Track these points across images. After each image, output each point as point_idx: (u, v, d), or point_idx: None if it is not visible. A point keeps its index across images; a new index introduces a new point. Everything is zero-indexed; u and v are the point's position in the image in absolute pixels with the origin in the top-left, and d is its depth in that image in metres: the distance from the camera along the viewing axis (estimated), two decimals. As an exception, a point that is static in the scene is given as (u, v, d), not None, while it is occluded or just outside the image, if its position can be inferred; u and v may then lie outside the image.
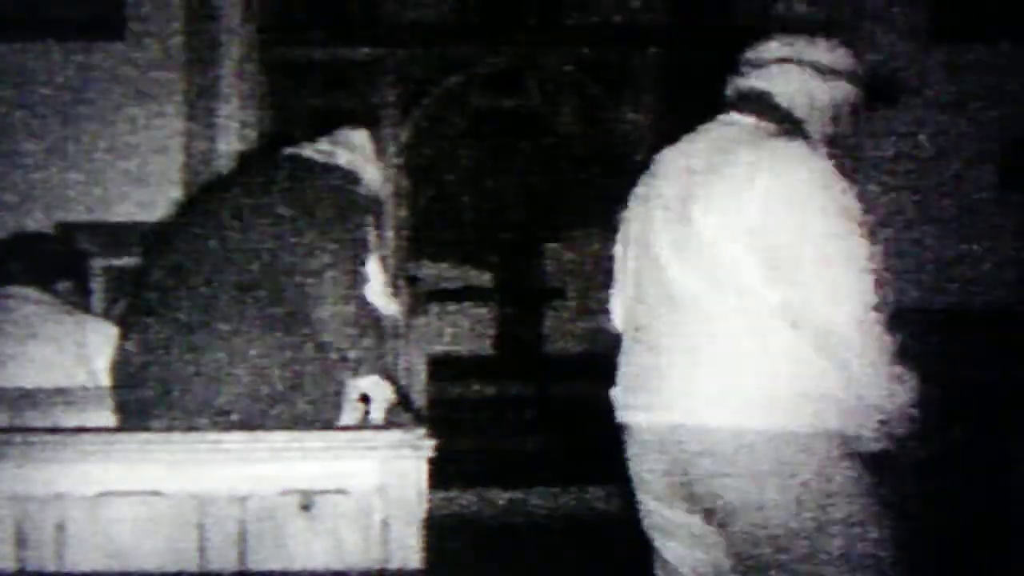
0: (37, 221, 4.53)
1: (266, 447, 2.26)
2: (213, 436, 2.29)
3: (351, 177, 2.79)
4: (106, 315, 3.69)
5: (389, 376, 2.70)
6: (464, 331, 8.96)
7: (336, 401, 2.68)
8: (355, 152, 2.85)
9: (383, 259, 2.84)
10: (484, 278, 9.26)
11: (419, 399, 5.33)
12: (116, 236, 4.54)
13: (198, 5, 4.77)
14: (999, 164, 4.92)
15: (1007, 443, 4.06)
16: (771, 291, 2.31)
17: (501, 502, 5.76)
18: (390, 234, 6.08)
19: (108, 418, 2.72)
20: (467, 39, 7.21)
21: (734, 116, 2.51)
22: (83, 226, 4.58)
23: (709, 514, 2.40)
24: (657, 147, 2.61)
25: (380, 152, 2.97)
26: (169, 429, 2.48)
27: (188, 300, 2.61)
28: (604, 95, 7.56)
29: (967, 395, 3.88)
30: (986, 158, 4.93)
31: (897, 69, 4.75)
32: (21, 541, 2.17)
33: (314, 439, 2.30)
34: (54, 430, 2.47)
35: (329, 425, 2.61)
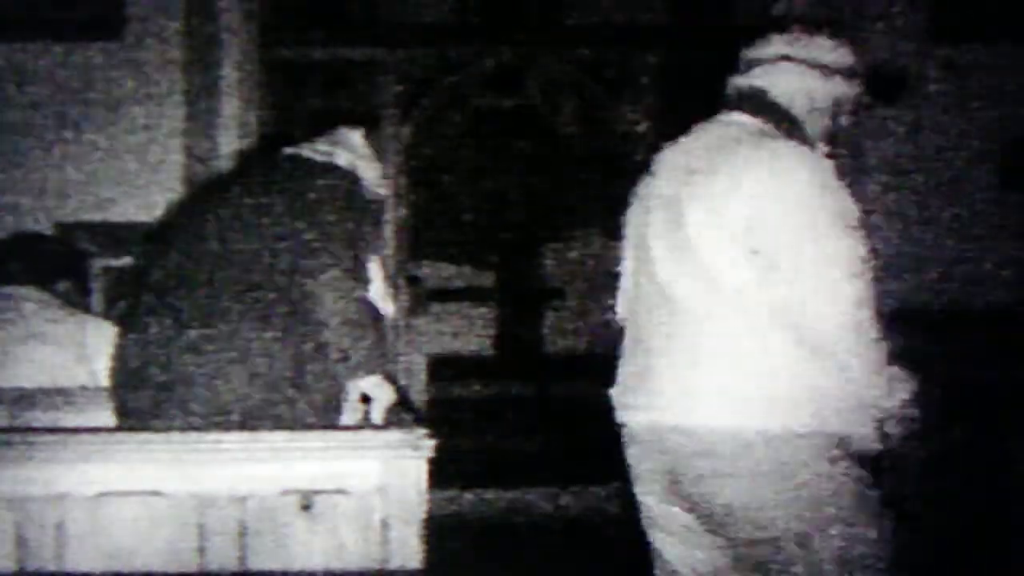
0: (37, 221, 4.53)
1: (266, 447, 2.26)
2: (213, 436, 2.29)
3: (351, 177, 2.79)
4: (106, 315, 3.69)
5: (389, 376, 2.70)
6: (464, 331, 8.97)
7: (336, 401, 2.68)
8: (354, 152, 2.85)
9: (383, 259, 2.84)
10: (484, 278, 9.26)
11: (419, 399, 5.34)
12: (116, 236, 4.54)
13: (198, 5, 4.77)
14: (999, 164, 4.92)
15: (1007, 443, 4.06)
16: (764, 292, 2.31)
17: (501, 502, 5.76)
18: (390, 234, 6.09)
19: (108, 418, 2.72)
20: (467, 39, 7.21)
21: (732, 116, 2.50)
22: (83, 226, 4.58)
23: (707, 514, 2.40)
24: (657, 147, 2.61)
25: (379, 152, 2.97)
26: (169, 429, 2.48)
27: (188, 300, 2.61)
28: (604, 95, 7.56)
29: (967, 395, 3.88)
30: (986, 158, 4.92)
31: (898, 66, 4.75)
32: (21, 541, 2.17)
33: (314, 439, 2.30)
34: (54, 430, 2.46)
35: (329, 425, 2.61)
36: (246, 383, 2.55)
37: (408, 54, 6.69)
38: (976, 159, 4.93)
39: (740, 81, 2.53)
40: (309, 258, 2.59)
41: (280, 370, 2.57)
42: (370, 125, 3.08)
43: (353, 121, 2.97)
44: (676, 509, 2.46)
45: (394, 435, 2.26)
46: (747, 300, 2.32)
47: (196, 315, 2.58)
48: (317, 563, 2.21)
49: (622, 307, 2.65)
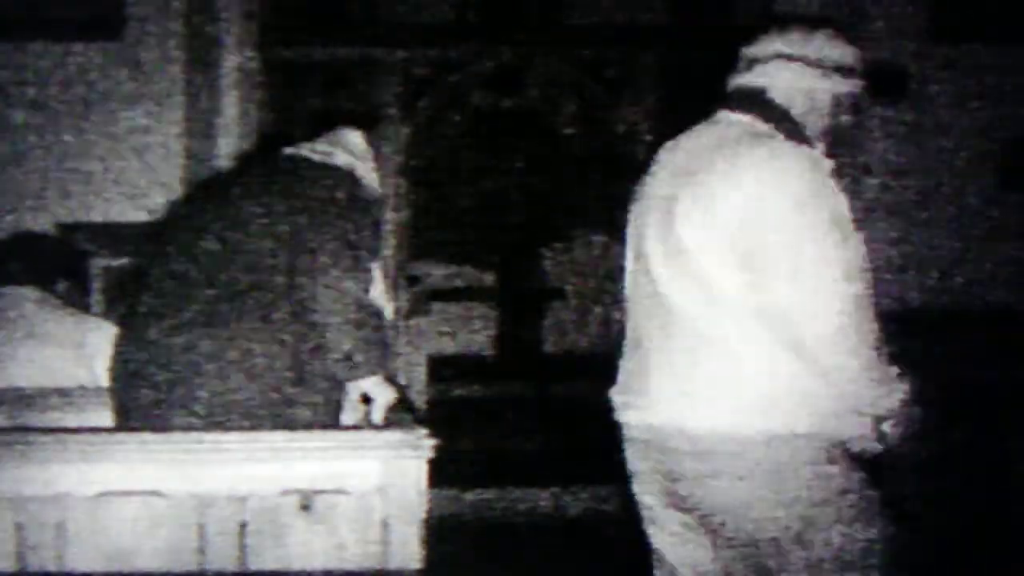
0: (37, 221, 4.53)
1: (266, 447, 2.26)
2: (213, 436, 2.29)
3: (350, 177, 2.79)
4: (106, 315, 3.69)
5: (389, 376, 2.70)
6: (464, 331, 8.96)
7: (337, 401, 2.68)
8: (353, 153, 2.85)
9: (383, 259, 2.84)
10: (484, 278, 9.26)
11: (419, 399, 5.34)
12: (116, 236, 4.54)
13: (198, 5, 4.77)
14: (999, 164, 4.92)
15: (1007, 443, 4.06)
16: (758, 294, 2.30)
17: (501, 502, 5.76)
18: (390, 234, 6.08)
19: (108, 418, 2.72)
20: (467, 39, 7.20)
21: (731, 115, 2.48)
22: (83, 226, 4.58)
23: (706, 514, 2.40)
24: (657, 147, 2.60)
25: (377, 152, 2.97)
26: (169, 429, 2.48)
27: (188, 300, 2.61)
28: (604, 95, 7.56)
29: (967, 395, 3.89)
30: (986, 158, 4.92)
31: (899, 65, 4.74)
32: (21, 541, 2.17)
33: (314, 439, 2.31)
34: (54, 430, 2.46)
35: (329, 425, 2.61)
36: (246, 383, 2.55)
37: (408, 54, 6.68)
38: (976, 159, 4.93)
39: (739, 80, 2.52)
40: (309, 258, 2.59)
41: (280, 370, 2.57)
42: (370, 125, 3.08)
43: (353, 121, 2.97)
44: (674, 509, 2.46)
45: (394, 435, 2.26)
46: (741, 302, 2.31)
47: (196, 315, 2.58)
48: (317, 563, 2.21)
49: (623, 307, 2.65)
